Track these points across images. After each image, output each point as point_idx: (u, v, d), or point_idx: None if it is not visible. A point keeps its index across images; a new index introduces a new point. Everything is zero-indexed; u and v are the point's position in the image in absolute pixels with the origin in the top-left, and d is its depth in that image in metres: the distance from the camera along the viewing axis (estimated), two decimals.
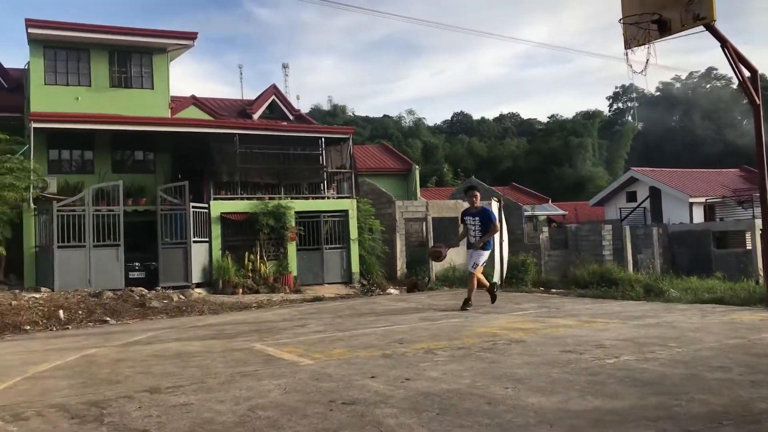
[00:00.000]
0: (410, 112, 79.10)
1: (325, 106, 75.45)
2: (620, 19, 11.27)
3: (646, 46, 10.86)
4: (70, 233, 16.15)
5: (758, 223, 25.05)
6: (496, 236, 19.02)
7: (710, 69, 71.53)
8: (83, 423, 4.40)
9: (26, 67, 20.41)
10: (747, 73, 10.81)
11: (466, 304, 10.96)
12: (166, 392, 5.24)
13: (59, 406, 4.87)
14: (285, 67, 76.41)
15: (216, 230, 18.14)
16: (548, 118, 78.89)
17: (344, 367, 6.08)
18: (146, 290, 15.24)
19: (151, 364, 6.69)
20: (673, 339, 7.10)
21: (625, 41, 11.17)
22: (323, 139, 20.57)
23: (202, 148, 18.72)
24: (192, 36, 21.24)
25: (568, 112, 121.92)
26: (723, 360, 5.85)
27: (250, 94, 43.07)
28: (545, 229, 27.46)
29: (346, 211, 19.87)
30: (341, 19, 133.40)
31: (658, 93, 73.56)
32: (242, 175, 18.93)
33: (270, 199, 19.06)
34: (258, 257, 18.22)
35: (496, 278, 18.47)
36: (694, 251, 28.46)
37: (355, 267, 19.70)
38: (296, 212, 19.08)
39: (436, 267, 20.26)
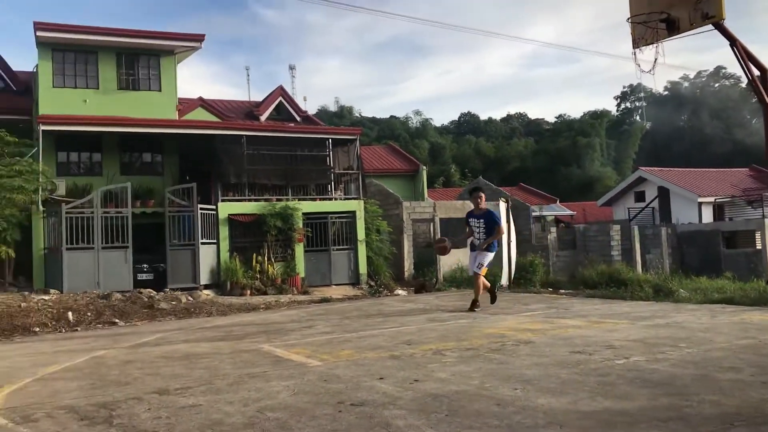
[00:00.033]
0: (417, 112, 79.36)
1: (332, 108, 75.68)
2: (628, 18, 11.23)
3: (655, 45, 10.82)
4: (78, 235, 16.20)
5: None
6: (503, 237, 19.09)
7: (719, 68, 71.35)
8: (93, 424, 4.41)
9: (35, 70, 20.52)
10: (756, 72, 10.76)
11: (473, 305, 10.93)
12: (175, 393, 5.25)
13: (69, 408, 4.88)
14: (292, 68, 77.13)
15: (224, 232, 18.16)
16: (556, 118, 78.90)
17: (352, 368, 6.07)
18: (154, 292, 15.27)
19: (160, 366, 6.70)
20: (683, 339, 7.06)
21: (634, 40, 11.13)
22: (330, 140, 20.58)
23: (210, 149, 18.76)
24: (199, 38, 21.30)
25: (575, 112, 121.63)
26: (734, 360, 5.81)
27: (257, 96, 43.24)
28: (553, 229, 27.38)
29: (353, 212, 19.87)
30: (347, 20, 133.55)
31: (666, 92, 73.35)
32: (250, 176, 18.95)
33: (277, 200, 19.08)
34: (266, 258, 18.24)
35: (504, 279, 18.49)
36: (703, 251, 28.33)
37: (363, 268, 19.69)
38: (304, 213, 19.10)
39: (444, 268, 20.23)
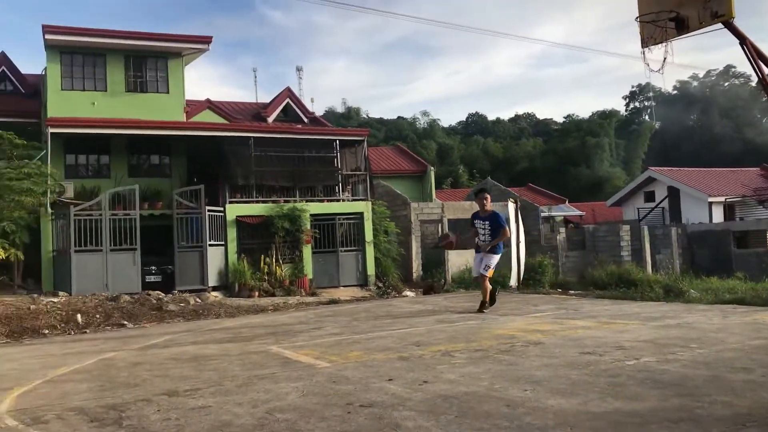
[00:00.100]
0: (425, 113, 79.21)
1: (339, 109, 75.71)
2: (637, 18, 11.15)
3: (664, 44, 10.73)
4: (87, 237, 16.25)
5: None
6: (513, 238, 19.02)
7: (728, 67, 71.01)
8: (102, 426, 4.41)
9: (43, 73, 20.64)
10: (766, 71, 10.66)
11: (482, 306, 10.89)
12: (184, 395, 5.25)
13: (78, 410, 4.89)
14: (299, 69, 77.30)
15: (231, 233, 18.19)
16: (564, 118, 78.62)
17: (361, 369, 6.06)
18: (163, 294, 15.30)
19: (169, 368, 6.70)
20: (694, 340, 7.01)
21: (642, 40, 11.04)
22: (338, 141, 20.58)
23: (218, 151, 18.79)
24: (207, 40, 21.36)
25: (584, 111, 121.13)
26: (746, 361, 5.76)
27: (265, 98, 43.29)
28: (562, 230, 27.29)
29: (361, 214, 19.86)
30: (354, 22, 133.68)
31: (675, 92, 73.07)
32: (257, 178, 18.97)
33: (285, 201, 19.10)
34: (273, 260, 18.26)
35: (513, 280, 18.44)
36: (714, 251, 28.17)
37: (371, 269, 19.67)
38: (311, 215, 19.10)
39: (453, 269, 20.20)
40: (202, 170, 19.54)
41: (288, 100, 27.30)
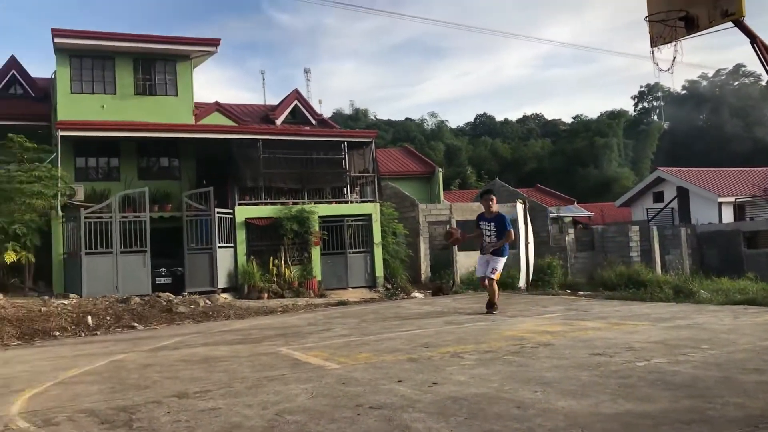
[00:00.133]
0: (432, 114, 79.19)
1: (347, 110, 75.87)
2: (646, 17, 11.10)
3: (673, 43, 10.67)
4: (97, 240, 16.34)
5: None
6: (522, 239, 18.98)
7: (738, 66, 70.74)
8: (113, 428, 4.43)
9: (53, 77, 20.75)
10: None
11: (492, 307, 10.86)
12: (194, 397, 5.26)
13: (89, 411, 4.91)
14: (307, 71, 77.04)
15: (241, 235, 18.24)
16: (572, 118, 78.47)
17: (370, 371, 6.05)
18: (173, 296, 15.33)
19: (179, 369, 6.72)
20: (705, 341, 6.97)
21: (651, 39, 10.99)
22: (346, 143, 20.60)
23: (226, 153, 18.85)
24: (215, 42, 21.41)
25: (592, 112, 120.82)
26: (758, 362, 5.72)
27: (273, 100, 43.39)
28: (571, 230, 27.18)
29: (369, 215, 19.87)
30: (363, 23, 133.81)
31: (684, 91, 72.80)
32: (266, 180, 19.01)
33: (294, 203, 19.13)
34: (282, 262, 18.29)
35: (522, 281, 18.39)
36: (724, 252, 27.99)
37: (379, 271, 19.67)
38: (320, 217, 19.12)
39: (461, 270, 20.16)
40: (211, 172, 19.60)
41: (296, 102, 27.35)
